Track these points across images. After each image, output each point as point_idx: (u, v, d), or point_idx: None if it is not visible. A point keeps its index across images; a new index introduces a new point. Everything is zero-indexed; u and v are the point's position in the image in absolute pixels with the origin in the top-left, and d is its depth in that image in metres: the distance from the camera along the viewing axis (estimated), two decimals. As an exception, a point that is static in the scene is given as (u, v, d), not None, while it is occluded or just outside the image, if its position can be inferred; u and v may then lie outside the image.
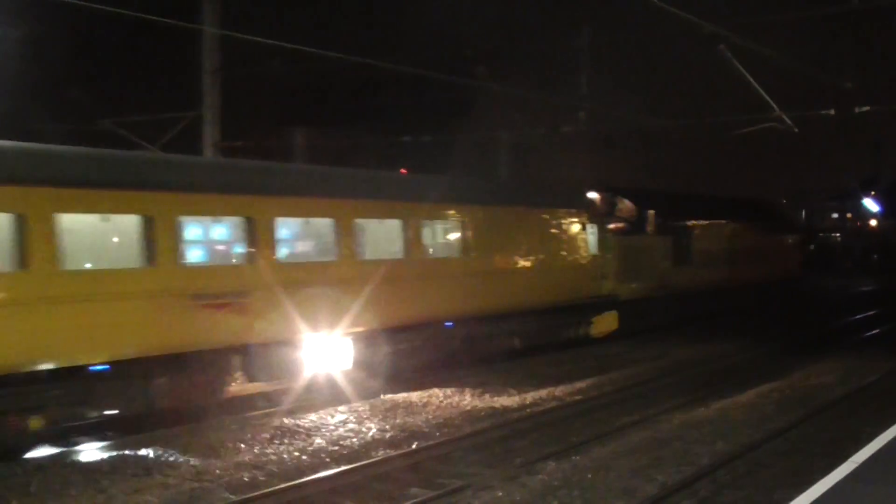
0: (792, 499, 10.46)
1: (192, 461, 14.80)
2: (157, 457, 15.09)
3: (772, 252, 43.82)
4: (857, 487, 10.64)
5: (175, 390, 17.00)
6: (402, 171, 26.75)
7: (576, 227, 27.88)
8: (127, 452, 15.29)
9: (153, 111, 28.34)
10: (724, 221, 39.56)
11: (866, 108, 30.08)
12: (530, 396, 20.69)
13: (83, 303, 15.31)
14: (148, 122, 28.83)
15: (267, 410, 18.55)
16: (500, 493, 13.07)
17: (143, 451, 15.36)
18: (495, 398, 20.39)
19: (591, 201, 29.99)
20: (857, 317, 40.71)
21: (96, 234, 16.76)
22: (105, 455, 15.14)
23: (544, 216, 26.78)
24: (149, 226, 16.40)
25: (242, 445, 15.88)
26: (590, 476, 13.90)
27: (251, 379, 19.11)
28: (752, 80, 26.42)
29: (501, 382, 22.27)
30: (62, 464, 14.63)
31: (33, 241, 14.68)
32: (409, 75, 28.69)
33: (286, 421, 17.62)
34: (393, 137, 47.74)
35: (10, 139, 15.86)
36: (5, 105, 29.76)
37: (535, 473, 14.09)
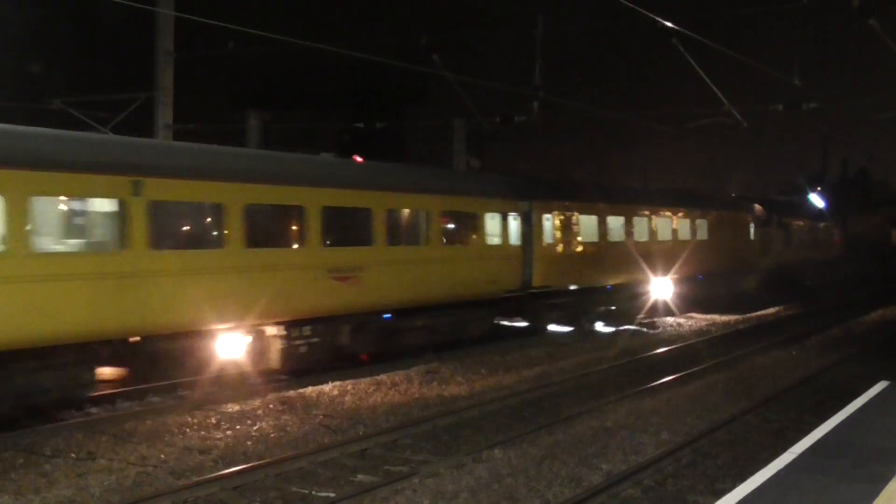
0: (733, 488, 10.59)
1: (138, 446, 14.72)
2: (101, 441, 14.98)
3: (823, 240, 59.59)
4: (797, 477, 10.78)
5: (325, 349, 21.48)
6: (356, 157, 26.59)
7: (748, 225, 44.25)
8: (71, 436, 15.17)
9: (105, 91, 28.06)
10: (804, 220, 55.98)
11: (814, 105, 30.43)
12: (479, 385, 20.77)
13: (268, 272, 19.53)
14: (99, 101, 28.54)
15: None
16: (447, 481, 13.12)
17: (87, 435, 15.25)
18: (444, 387, 20.47)
19: (753, 207, 45.47)
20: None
21: (272, 218, 20.59)
22: (49, 439, 15.00)
23: (743, 217, 43.95)
24: (301, 214, 20.34)
25: (187, 430, 15.83)
26: (536, 464, 13.98)
27: (355, 342, 22.39)
28: (703, 74, 26.64)
29: (451, 371, 22.33)
30: (4, 447, 14.45)
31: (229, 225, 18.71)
32: (363, 61, 28.62)
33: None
34: (346, 123, 47.62)
35: None
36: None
37: (481, 461, 14.15)
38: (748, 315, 37.33)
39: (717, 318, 36.27)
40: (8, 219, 14.94)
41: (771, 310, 39.85)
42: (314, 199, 20.56)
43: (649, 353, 26.00)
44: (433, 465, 13.97)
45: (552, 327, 29.94)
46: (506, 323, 28.78)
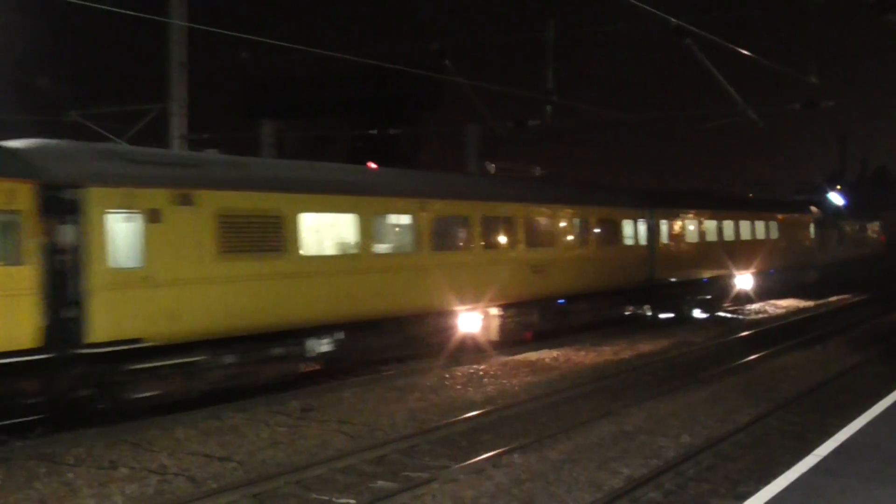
0: (756, 492, 10.56)
1: (158, 454, 14.78)
2: (122, 450, 15.05)
3: (870, 238, 63.54)
4: (821, 480, 10.75)
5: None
6: (370, 164, 26.79)
7: (809, 225, 49.61)
8: (93, 445, 15.24)
9: (120, 103, 28.19)
10: (854, 220, 59.79)
11: (831, 104, 30.32)
12: (494, 390, 20.77)
13: (495, 267, 25.74)
14: (115, 113, 28.69)
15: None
16: (465, 486, 13.13)
17: (109, 444, 15.32)
18: (455, 395, 20.50)
19: (812, 209, 50.75)
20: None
21: (497, 226, 26.53)
22: (71, 448, 15.07)
23: (805, 219, 49.49)
24: (514, 223, 26.74)
25: (208, 438, 15.89)
26: (555, 469, 13.98)
27: (541, 321, 28.24)
28: (717, 74, 26.60)
29: (467, 374, 22.34)
30: (27, 456, 14.55)
31: (473, 232, 25.43)
32: (376, 68, 28.70)
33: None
34: (359, 130, 47.65)
35: None
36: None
37: (501, 466, 14.15)
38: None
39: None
40: (360, 230, 21.64)
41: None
42: (522, 213, 27.16)
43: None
44: (452, 471, 13.96)
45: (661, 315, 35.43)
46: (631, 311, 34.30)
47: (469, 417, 17.61)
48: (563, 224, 29.29)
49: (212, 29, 20.25)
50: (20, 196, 15.34)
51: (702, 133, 42.50)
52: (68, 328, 15.89)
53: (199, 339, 18.06)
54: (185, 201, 17.68)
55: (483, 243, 25.55)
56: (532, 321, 27.88)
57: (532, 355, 25.63)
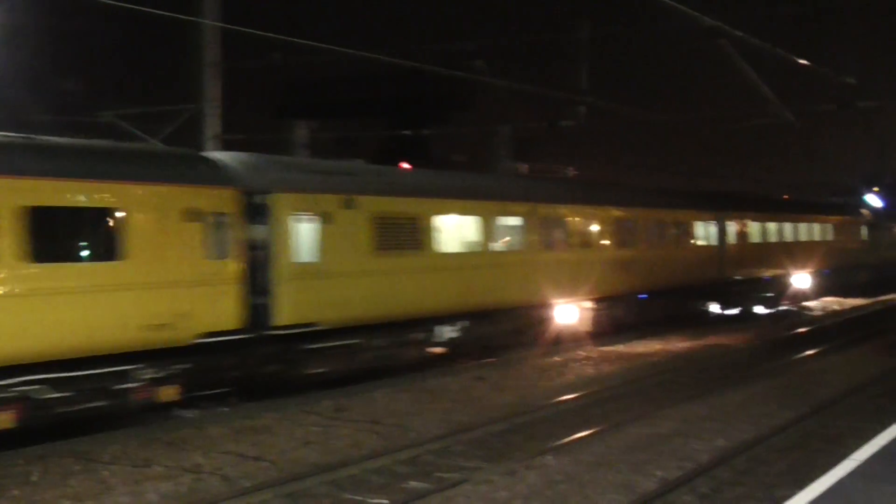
0: (792, 496, 10.48)
1: (192, 453, 14.84)
2: (156, 448, 15.12)
3: None
4: (859, 485, 10.65)
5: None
6: (403, 164, 26.86)
7: (861, 227, 52.22)
8: (128, 443, 15.33)
9: (153, 103, 28.33)
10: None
11: (869, 104, 30.01)
12: (528, 392, 20.74)
13: (590, 264, 28.49)
14: (148, 114, 28.82)
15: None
16: (498, 487, 13.10)
17: (143, 443, 15.40)
18: (492, 390, 20.47)
19: (864, 212, 54.51)
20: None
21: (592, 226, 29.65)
22: (107, 446, 15.16)
23: (857, 221, 52.23)
24: (608, 224, 29.96)
25: (241, 437, 15.94)
26: (589, 471, 13.92)
27: (625, 314, 30.86)
28: (752, 74, 26.41)
29: (500, 376, 22.32)
30: (63, 453, 14.66)
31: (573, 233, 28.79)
32: (408, 68, 28.71)
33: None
34: (392, 130, 47.65)
35: (12, 131, 16.37)
36: (5, 96, 29.73)
37: (533, 468, 14.11)
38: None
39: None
40: (482, 231, 24.76)
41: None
42: (611, 215, 30.19)
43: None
44: (486, 472, 13.94)
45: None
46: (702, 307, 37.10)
47: (499, 418, 17.62)
48: (645, 226, 32.16)
49: (244, 29, 20.25)
50: (227, 201, 18.21)
51: (736, 134, 42.50)
52: (260, 313, 18.73)
53: (357, 325, 20.92)
54: (349, 205, 20.75)
55: (579, 243, 28.67)
56: (618, 314, 30.35)
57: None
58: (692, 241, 35.37)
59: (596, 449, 15.26)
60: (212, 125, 27.28)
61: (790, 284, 41.90)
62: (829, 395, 20.29)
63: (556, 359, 25.42)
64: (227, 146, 27.71)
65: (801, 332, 33.07)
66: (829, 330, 33.39)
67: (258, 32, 19.70)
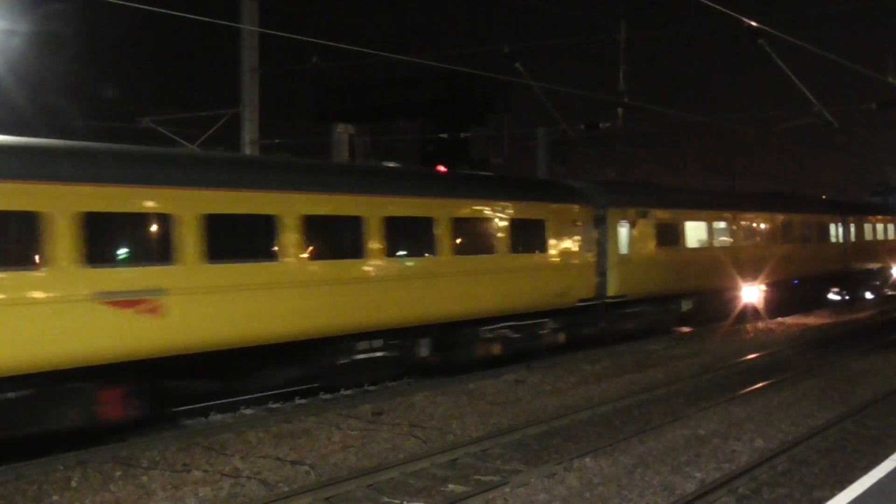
0: (832, 496, 10.39)
1: (231, 458, 14.90)
2: (196, 453, 15.20)
3: None
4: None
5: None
6: (440, 168, 26.84)
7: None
8: (167, 448, 15.41)
9: (190, 109, 28.51)
10: None
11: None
12: (570, 393, 20.68)
13: (765, 255, 36.07)
14: (186, 119, 29.01)
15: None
16: (537, 489, 13.08)
17: (183, 448, 15.48)
18: (531, 394, 20.43)
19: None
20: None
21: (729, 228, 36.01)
22: (145, 451, 15.25)
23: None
24: (773, 226, 38.05)
25: (280, 441, 15.98)
26: (628, 473, 13.88)
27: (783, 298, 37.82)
28: (791, 75, 26.24)
29: (538, 379, 22.28)
30: (103, 459, 14.75)
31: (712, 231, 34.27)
32: (446, 71, 28.74)
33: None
34: (430, 134, 47.65)
35: (53, 137, 16.79)
36: (47, 102, 30.01)
37: (573, 470, 14.07)
38: None
39: None
40: (709, 232, 33.25)
41: None
42: (780, 220, 38.34)
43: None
44: (524, 475, 13.91)
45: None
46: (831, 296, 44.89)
47: (538, 421, 17.60)
48: (798, 227, 40.28)
49: (283, 34, 20.36)
50: (588, 214, 27.09)
51: (774, 134, 42.43)
52: (601, 287, 27.59)
53: (647, 297, 29.82)
54: (643, 216, 29.45)
55: (759, 240, 36.83)
56: (781, 296, 37.45)
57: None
58: (827, 239, 43.52)
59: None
60: (250, 130, 27.40)
61: (892, 276, 50.42)
62: None
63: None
64: (262, 150, 27.87)
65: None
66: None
67: (296, 37, 19.78)
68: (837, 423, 17.30)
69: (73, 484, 13.47)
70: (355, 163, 31.15)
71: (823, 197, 55.09)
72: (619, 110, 33.35)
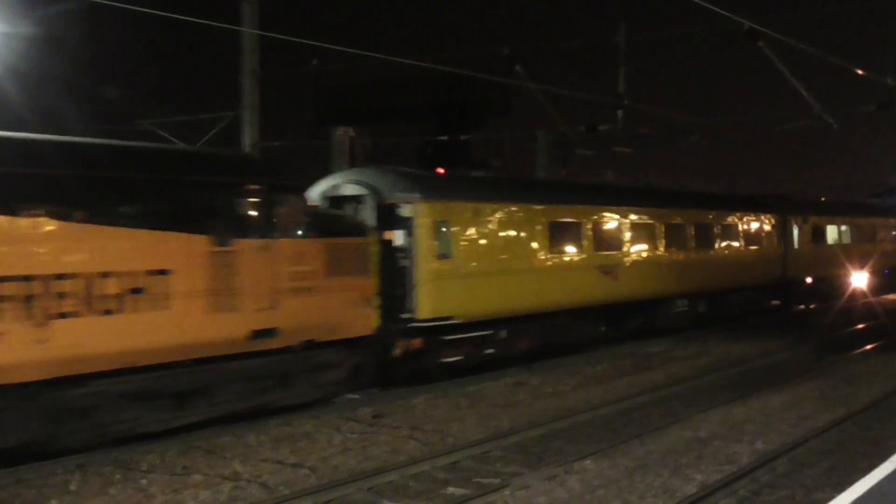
0: (832, 498, 10.39)
1: (231, 461, 14.88)
2: (196, 456, 15.18)
3: None
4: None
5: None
6: (440, 170, 26.84)
7: None
8: (167, 451, 15.38)
9: (190, 111, 28.50)
10: None
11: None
12: (570, 396, 20.69)
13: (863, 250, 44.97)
14: (186, 122, 29.01)
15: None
16: (538, 492, 13.08)
17: (183, 451, 15.46)
18: (531, 396, 20.44)
19: None
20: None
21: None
22: (145, 454, 15.21)
23: None
24: (867, 229, 48.97)
25: (279, 444, 15.97)
26: (629, 475, 13.88)
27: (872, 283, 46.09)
28: (791, 76, 26.25)
29: (538, 381, 22.28)
30: (102, 462, 14.69)
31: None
32: (446, 74, 28.71)
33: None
34: (430, 136, 47.65)
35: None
36: (45, 104, 29.99)
37: (573, 472, 14.07)
38: None
39: None
40: (838, 234, 44.32)
41: None
42: (865, 223, 48.00)
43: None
44: (525, 477, 13.90)
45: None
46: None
47: (539, 423, 17.60)
48: (875, 228, 49.48)
49: (283, 37, 20.37)
50: (775, 221, 38.33)
51: (774, 136, 42.70)
52: (783, 270, 38.89)
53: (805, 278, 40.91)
54: (805, 221, 40.17)
55: (862, 238, 46.23)
56: (883, 281, 46.85)
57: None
58: (886, 240, 51.09)
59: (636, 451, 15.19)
60: (250, 133, 27.36)
61: None
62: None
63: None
64: (263, 152, 27.87)
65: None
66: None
67: (296, 40, 19.79)
68: (838, 425, 17.34)
69: (73, 487, 13.43)
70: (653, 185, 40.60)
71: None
72: (619, 112, 33.35)
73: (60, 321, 13.93)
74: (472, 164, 45.78)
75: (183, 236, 15.62)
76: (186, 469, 14.39)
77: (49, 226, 13.96)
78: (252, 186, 16.85)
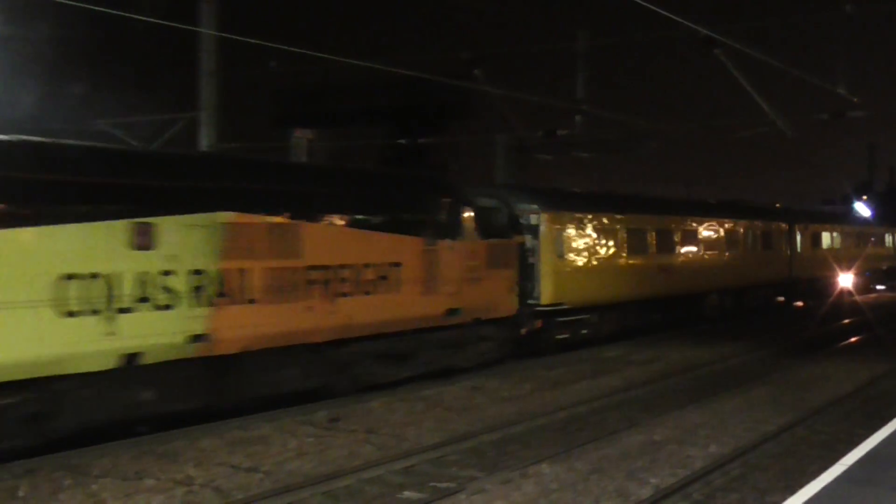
0: (783, 500, 10.48)
1: (185, 465, 14.77)
2: (149, 461, 15.04)
3: None
4: (847, 490, 10.65)
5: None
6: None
7: (886, 236, 64.02)
8: (119, 456, 15.23)
9: (146, 112, 28.25)
10: None
11: (859, 114, 30.08)
12: (527, 400, 20.72)
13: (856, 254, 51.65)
14: (143, 122, 28.76)
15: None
16: (494, 496, 13.09)
17: (135, 456, 15.31)
18: (488, 400, 20.45)
19: None
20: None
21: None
22: (97, 458, 15.05)
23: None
24: (874, 238, 59.27)
25: (234, 448, 15.88)
26: (584, 479, 13.92)
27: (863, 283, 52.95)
28: (746, 84, 26.45)
29: (495, 385, 22.31)
30: (52, 467, 14.49)
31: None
32: (405, 77, 28.66)
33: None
34: (389, 139, 47.62)
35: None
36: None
37: (529, 476, 14.09)
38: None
39: None
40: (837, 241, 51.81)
41: None
42: (853, 231, 54.82)
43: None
44: (481, 481, 13.91)
45: None
46: None
47: (495, 427, 17.63)
48: (864, 237, 55.17)
49: (241, 38, 20.27)
50: (784, 229, 44.46)
51: (729, 143, 43.30)
52: (790, 270, 44.04)
53: (809, 277, 46.75)
54: (806, 228, 47.96)
55: (850, 245, 51.90)
56: (864, 282, 50.95)
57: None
58: (882, 245, 58.80)
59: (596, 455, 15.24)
60: (209, 134, 27.19)
61: None
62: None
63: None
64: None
65: None
66: None
67: (255, 41, 19.70)
68: (789, 429, 17.51)
69: (21, 493, 13.19)
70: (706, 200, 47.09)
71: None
72: (577, 118, 33.48)
73: (342, 299, 19.06)
74: (431, 167, 45.81)
75: (408, 238, 21.00)
76: (139, 474, 14.22)
77: (333, 230, 19.35)
78: (446, 200, 22.43)
